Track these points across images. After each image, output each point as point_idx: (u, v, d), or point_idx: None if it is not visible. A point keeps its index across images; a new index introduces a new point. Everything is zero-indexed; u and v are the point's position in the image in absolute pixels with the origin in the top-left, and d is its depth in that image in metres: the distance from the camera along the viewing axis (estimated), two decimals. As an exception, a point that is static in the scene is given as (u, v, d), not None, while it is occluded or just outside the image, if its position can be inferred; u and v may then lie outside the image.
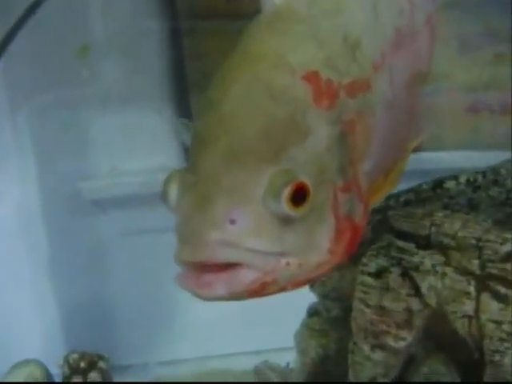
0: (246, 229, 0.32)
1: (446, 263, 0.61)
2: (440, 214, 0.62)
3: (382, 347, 0.66)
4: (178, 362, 0.96)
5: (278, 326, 0.81)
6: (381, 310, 0.65)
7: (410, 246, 0.63)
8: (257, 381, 0.72)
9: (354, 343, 0.69)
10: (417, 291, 0.63)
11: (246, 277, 0.32)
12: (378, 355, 0.67)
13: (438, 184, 0.67)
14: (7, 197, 1.01)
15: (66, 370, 0.64)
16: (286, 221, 0.33)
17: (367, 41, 0.40)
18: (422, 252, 0.62)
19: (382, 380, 0.69)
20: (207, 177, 0.33)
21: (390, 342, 0.65)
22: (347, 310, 0.76)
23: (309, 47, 0.37)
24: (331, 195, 0.35)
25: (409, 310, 0.64)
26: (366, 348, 0.68)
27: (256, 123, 0.34)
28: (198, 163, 0.34)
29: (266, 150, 0.33)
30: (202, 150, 0.34)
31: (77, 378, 0.63)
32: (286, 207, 0.33)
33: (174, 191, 0.35)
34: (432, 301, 0.62)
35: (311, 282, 0.37)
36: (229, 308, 0.82)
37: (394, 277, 0.64)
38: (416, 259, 0.62)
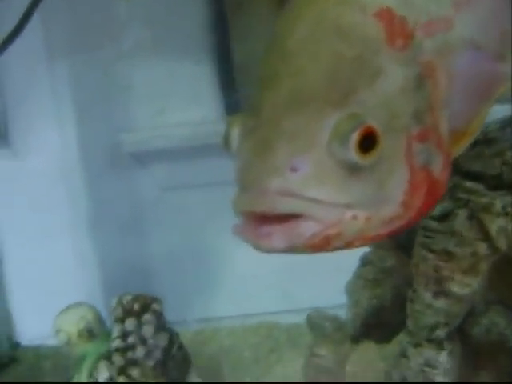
0: (308, 177, 0.30)
1: (519, 205, 0.58)
2: (511, 153, 0.59)
3: (446, 294, 0.64)
4: (218, 319, 0.94)
5: (329, 281, 0.78)
6: (445, 255, 0.63)
7: (479, 187, 0.60)
8: (309, 330, 0.70)
9: (414, 291, 0.67)
10: (485, 234, 0.60)
11: (308, 229, 0.30)
12: (440, 303, 0.65)
13: (507, 123, 0.63)
14: (46, 146, 0.99)
15: (119, 311, 0.62)
16: (353, 169, 0.31)
17: None
18: (491, 193, 0.59)
19: (443, 329, 0.66)
20: (269, 121, 0.31)
21: (455, 288, 0.63)
22: (402, 259, 0.73)
23: None
24: (405, 143, 0.32)
25: (475, 255, 0.61)
26: (428, 295, 0.65)
27: (322, 63, 0.32)
28: (261, 106, 0.32)
29: (331, 92, 0.31)
30: (265, 92, 0.32)
31: (130, 320, 0.61)
32: (353, 154, 0.30)
33: (235, 135, 0.33)
34: (502, 244, 0.59)
35: (382, 240, 0.33)
36: (273, 263, 0.80)
37: (460, 220, 0.61)
38: (485, 200, 0.59)
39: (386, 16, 0.34)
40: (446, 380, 0.66)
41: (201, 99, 1.01)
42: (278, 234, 0.30)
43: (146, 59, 1.00)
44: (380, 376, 0.73)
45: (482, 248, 0.61)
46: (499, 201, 0.59)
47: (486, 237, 0.60)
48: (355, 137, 0.30)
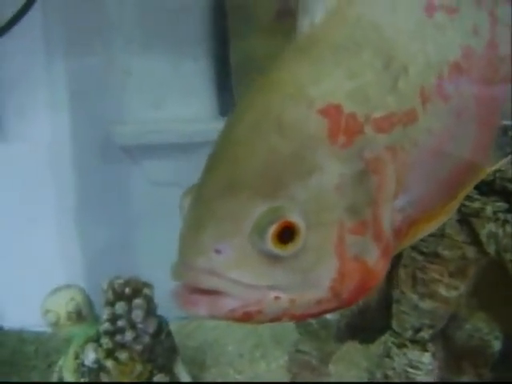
0: (230, 260, 0.33)
1: (509, 210, 0.60)
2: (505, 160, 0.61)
3: (432, 296, 0.65)
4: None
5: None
6: (434, 257, 0.64)
7: (472, 192, 0.61)
8: (295, 327, 0.71)
9: (401, 292, 0.68)
10: (475, 239, 0.62)
11: (227, 304, 0.33)
12: (426, 304, 0.66)
13: (503, 131, 0.65)
14: (37, 133, 0.99)
15: (110, 295, 0.62)
16: (274, 257, 0.33)
17: (417, 67, 0.37)
18: (483, 198, 0.61)
19: (427, 331, 0.68)
20: (204, 202, 0.34)
21: (442, 290, 0.64)
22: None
23: (336, 77, 0.36)
24: (335, 235, 0.34)
25: (464, 258, 0.62)
26: (415, 297, 0.66)
27: (258, 156, 0.34)
28: (202, 186, 0.34)
29: (263, 185, 0.33)
30: (207, 174, 0.35)
31: (121, 304, 0.61)
32: (271, 245, 0.33)
33: (186, 205, 0.36)
34: (491, 249, 0.60)
35: (317, 317, 0.35)
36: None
37: (451, 223, 0.63)
38: (476, 205, 0.61)
39: (332, 113, 0.34)
40: (429, 380, 0.67)
41: (196, 97, 1.02)
42: (202, 304, 0.33)
43: (143, 54, 1.00)
44: (363, 375, 0.74)
45: (471, 252, 0.62)
46: (490, 206, 0.60)
47: (476, 241, 0.62)
48: (272, 230, 0.32)
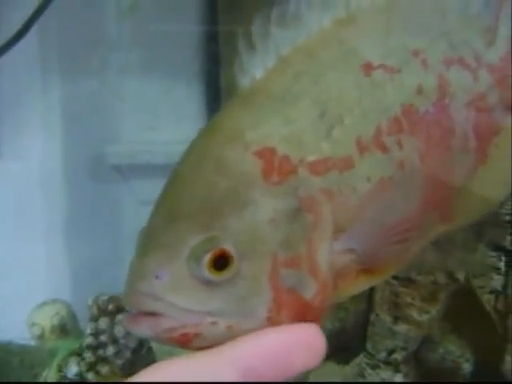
0: (168, 285, 0.35)
1: (478, 238, 0.63)
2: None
3: (405, 319, 0.68)
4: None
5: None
6: (407, 281, 0.67)
7: (443, 220, 0.64)
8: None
9: (376, 315, 0.70)
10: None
11: (165, 324, 0.35)
12: (400, 327, 0.68)
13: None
14: (30, 152, 1.02)
15: (95, 310, 0.64)
16: (210, 283, 0.35)
17: (352, 119, 0.40)
18: (454, 227, 0.63)
19: (400, 352, 0.70)
20: (149, 233, 0.37)
21: (414, 314, 0.67)
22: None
23: (273, 124, 0.39)
24: (269, 266, 0.36)
25: (435, 284, 0.65)
26: (389, 319, 0.69)
27: (197, 191, 0.37)
28: (150, 218, 0.38)
29: (200, 216, 0.36)
30: (154, 208, 0.38)
31: (104, 320, 0.63)
32: (206, 271, 0.35)
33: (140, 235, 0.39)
34: (460, 275, 0.63)
35: None
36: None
37: (422, 249, 0.65)
38: (448, 233, 0.64)
39: (266, 154, 0.37)
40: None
41: (187, 119, 1.05)
42: (144, 324, 0.35)
43: (137, 76, 1.03)
44: (337, 394, 0.76)
45: (442, 278, 0.65)
46: (460, 235, 0.63)
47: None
48: (207, 257, 0.35)
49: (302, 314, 0.36)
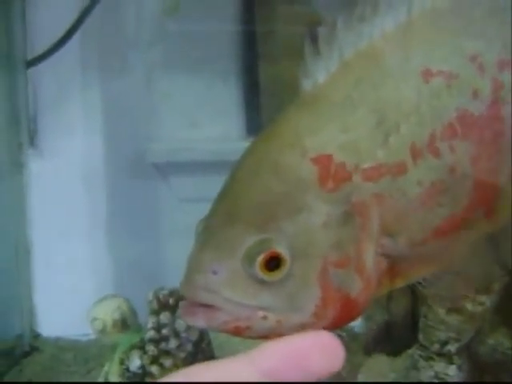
0: (224, 280, 0.37)
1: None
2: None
3: (459, 311, 0.68)
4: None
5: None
6: (461, 273, 0.67)
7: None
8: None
9: (429, 307, 0.71)
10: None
11: (219, 317, 0.37)
12: (453, 319, 0.69)
13: None
14: (71, 151, 1.03)
15: (155, 305, 0.65)
16: (262, 281, 0.37)
17: (408, 126, 0.41)
18: (509, 218, 0.64)
19: (453, 344, 0.71)
20: (208, 231, 0.39)
21: (468, 306, 0.67)
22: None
23: (331, 131, 0.40)
24: (319, 267, 0.38)
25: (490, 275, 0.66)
26: (442, 311, 0.70)
27: (255, 193, 0.38)
28: (209, 217, 0.39)
29: (256, 218, 0.38)
30: (213, 207, 0.40)
31: (165, 314, 0.65)
32: (259, 272, 0.37)
33: (197, 232, 0.41)
34: (515, 267, 0.64)
35: None
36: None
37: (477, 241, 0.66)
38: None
39: (323, 161, 0.39)
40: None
41: (225, 117, 1.06)
42: (199, 316, 0.37)
43: (176, 75, 1.05)
44: (390, 386, 0.77)
45: (497, 269, 0.66)
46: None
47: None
48: (260, 259, 0.37)
49: (347, 309, 0.38)
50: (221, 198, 0.40)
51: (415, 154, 0.41)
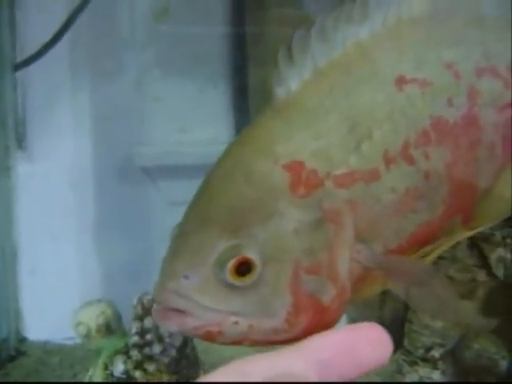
0: (195, 286, 0.38)
1: (517, 236, 0.63)
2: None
3: (443, 316, 0.69)
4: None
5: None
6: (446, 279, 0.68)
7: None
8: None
9: (413, 312, 0.71)
10: (484, 262, 0.65)
11: (191, 322, 0.37)
12: (438, 324, 0.69)
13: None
14: (60, 154, 1.03)
15: (139, 310, 0.65)
16: (234, 287, 0.38)
17: (381, 133, 0.41)
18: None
19: (438, 349, 0.71)
20: (181, 235, 0.39)
21: (452, 311, 0.68)
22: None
23: (303, 138, 0.40)
24: (291, 273, 0.38)
25: (474, 281, 0.66)
26: (426, 317, 0.70)
27: (227, 200, 0.39)
28: (183, 222, 0.40)
29: (228, 224, 0.38)
30: (187, 211, 0.40)
31: (149, 319, 0.65)
32: (229, 277, 0.37)
33: (172, 236, 0.41)
34: (499, 272, 0.64)
35: (276, 345, 0.39)
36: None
37: (462, 248, 0.66)
38: (487, 231, 0.65)
39: (295, 168, 0.39)
40: (438, 398, 0.70)
41: (214, 120, 1.06)
42: (172, 320, 0.38)
43: (165, 78, 1.05)
44: (375, 391, 0.77)
45: (481, 275, 0.66)
46: (499, 232, 0.64)
47: (485, 265, 0.65)
48: (231, 264, 0.37)
49: (319, 316, 0.39)
50: (195, 202, 0.40)
51: (388, 160, 0.41)
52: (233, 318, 0.37)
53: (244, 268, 0.37)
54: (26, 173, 1.03)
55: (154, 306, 0.39)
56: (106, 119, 1.05)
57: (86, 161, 1.05)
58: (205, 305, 0.37)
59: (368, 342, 0.32)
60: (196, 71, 1.05)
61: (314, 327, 0.38)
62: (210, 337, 0.38)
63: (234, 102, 1.07)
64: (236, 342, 0.38)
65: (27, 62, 0.99)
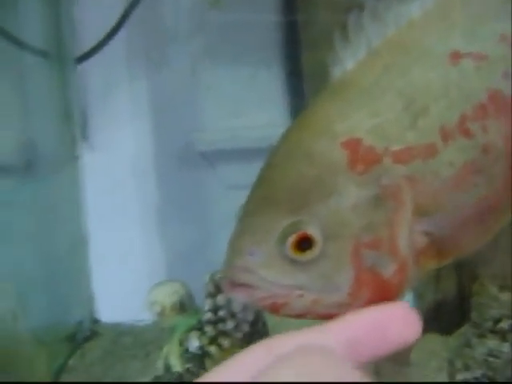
0: (260, 261, 0.39)
1: None
2: None
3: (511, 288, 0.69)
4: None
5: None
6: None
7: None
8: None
9: (481, 284, 0.71)
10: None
11: (258, 294, 0.39)
12: (506, 296, 0.69)
13: None
14: (121, 143, 1.07)
15: (211, 287, 0.68)
16: (296, 262, 0.39)
17: (437, 109, 0.42)
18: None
19: (506, 321, 0.71)
20: (246, 215, 0.41)
21: (521, 282, 0.68)
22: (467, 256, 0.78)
23: (360, 116, 0.41)
24: (351, 248, 0.39)
25: (542, 253, 0.66)
26: (494, 289, 0.70)
27: (288, 179, 0.40)
28: (246, 202, 0.41)
29: (289, 202, 0.39)
30: (251, 192, 0.42)
31: (221, 296, 0.67)
32: (291, 252, 0.39)
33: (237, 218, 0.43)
34: None
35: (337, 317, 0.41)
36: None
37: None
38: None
39: (352, 145, 0.40)
40: (508, 369, 0.70)
41: (270, 104, 1.08)
42: (240, 292, 0.40)
43: (220, 65, 1.06)
44: (443, 364, 0.77)
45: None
46: None
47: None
48: (291, 239, 0.38)
49: (381, 290, 0.39)
50: (257, 184, 0.42)
51: (445, 135, 0.41)
52: (297, 292, 0.39)
53: (305, 244, 0.39)
54: (91, 162, 1.07)
55: (223, 280, 0.41)
56: (163, 108, 1.08)
57: (146, 148, 1.08)
58: (270, 279, 0.39)
59: (396, 321, 0.32)
60: (248, 58, 1.06)
61: (377, 300, 0.39)
62: (275, 308, 0.40)
63: (287, 86, 1.08)
64: (300, 315, 0.40)
65: (87, 55, 1.03)
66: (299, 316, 0.40)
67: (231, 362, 0.31)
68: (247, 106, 1.08)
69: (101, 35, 1.01)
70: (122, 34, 1.02)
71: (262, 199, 0.41)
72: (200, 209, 1.11)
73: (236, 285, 0.40)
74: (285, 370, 0.29)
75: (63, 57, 1.00)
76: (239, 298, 0.40)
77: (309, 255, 0.39)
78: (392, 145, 0.40)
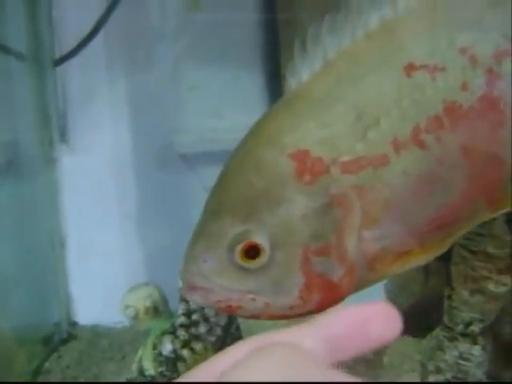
0: (213, 268, 0.42)
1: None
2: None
3: (482, 292, 0.69)
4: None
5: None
6: (484, 255, 0.68)
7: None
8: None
9: (452, 288, 0.72)
10: (522, 238, 0.66)
11: (213, 297, 0.42)
12: (476, 300, 0.70)
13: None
14: (101, 145, 1.06)
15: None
16: (245, 269, 0.41)
17: (390, 119, 0.43)
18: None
19: (477, 325, 0.72)
20: (201, 222, 0.44)
21: (491, 287, 0.68)
22: (441, 260, 0.79)
23: (309, 127, 0.43)
24: (300, 255, 0.41)
25: (512, 257, 0.67)
26: (465, 293, 0.71)
27: (239, 188, 0.43)
28: (203, 209, 0.45)
29: (239, 211, 0.42)
30: (207, 200, 0.45)
31: (194, 300, 0.68)
32: (239, 260, 0.41)
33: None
34: (537, 247, 0.65)
35: (292, 319, 0.43)
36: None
37: (498, 223, 0.67)
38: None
39: (300, 156, 0.42)
40: (479, 371, 0.71)
41: (251, 106, 1.08)
42: (197, 295, 0.43)
43: (200, 66, 1.07)
44: (416, 367, 0.78)
45: (519, 250, 0.66)
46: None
47: (523, 240, 0.66)
48: (239, 248, 0.41)
49: (331, 293, 0.42)
50: (213, 191, 0.44)
51: (397, 146, 0.42)
52: (250, 296, 0.41)
53: (252, 252, 0.41)
54: (70, 164, 1.07)
55: (181, 284, 0.44)
56: (143, 109, 1.08)
57: (125, 150, 1.08)
58: (223, 285, 0.41)
59: (377, 319, 0.33)
60: (229, 58, 1.06)
61: (327, 302, 0.42)
62: (231, 310, 0.42)
63: (268, 88, 1.09)
64: (255, 316, 0.42)
65: (66, 57, 1.03)
66: (254, 317, 0.43)
67: (204, 364, 0.32)
68: (227, 108, 1.08)
69: (80, 37, 1.01)
70: (101, 35, 1.02)
71: (215, 207, 0.43)
72: (180, 211, 1.11)
73: (194, 288, 0.42)
74: (239, 371, 0.30)
75: (42, 59, 1.00)
76: (196, 300, 0.43)
77: (257, 262, 0.41)
78: (341, 155, 0.42)
